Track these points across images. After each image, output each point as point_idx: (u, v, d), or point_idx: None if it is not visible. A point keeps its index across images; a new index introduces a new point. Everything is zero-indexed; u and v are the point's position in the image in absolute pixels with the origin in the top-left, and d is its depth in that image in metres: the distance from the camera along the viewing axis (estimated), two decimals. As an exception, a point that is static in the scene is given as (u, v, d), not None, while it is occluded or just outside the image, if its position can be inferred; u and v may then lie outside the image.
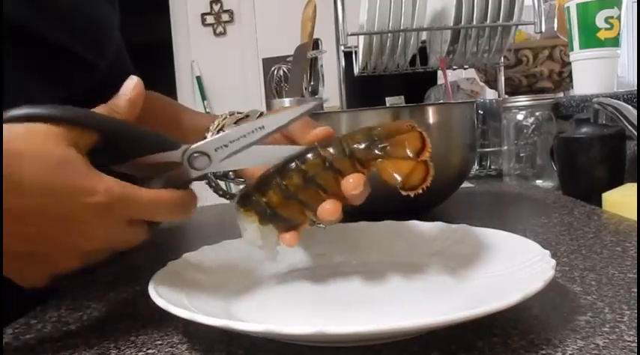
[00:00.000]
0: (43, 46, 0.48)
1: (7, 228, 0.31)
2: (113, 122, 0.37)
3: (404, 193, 0.37)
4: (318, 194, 0.39)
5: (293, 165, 0.39)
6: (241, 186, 0.43)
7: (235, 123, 0.52)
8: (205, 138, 0.52)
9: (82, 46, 0.52)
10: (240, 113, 0.53)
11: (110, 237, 0.35)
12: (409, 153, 0.38)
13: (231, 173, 0.49)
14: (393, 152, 0.38)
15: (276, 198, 0.39)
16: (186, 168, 0.38)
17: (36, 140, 0.33)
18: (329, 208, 0.38)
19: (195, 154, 0.38)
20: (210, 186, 0.42)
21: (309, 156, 0.39)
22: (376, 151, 0.38)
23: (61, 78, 0.52)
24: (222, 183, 0.53)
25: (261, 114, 0.52)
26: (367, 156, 0.38)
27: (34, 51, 0.48)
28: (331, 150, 0.38)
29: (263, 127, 0.38)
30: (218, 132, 0.52)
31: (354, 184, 0.38)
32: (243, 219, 0.40)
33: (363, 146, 0.38)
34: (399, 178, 0.37)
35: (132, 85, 0.39)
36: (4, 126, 0.33)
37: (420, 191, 0.37)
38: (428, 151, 0.38)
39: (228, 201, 0.50)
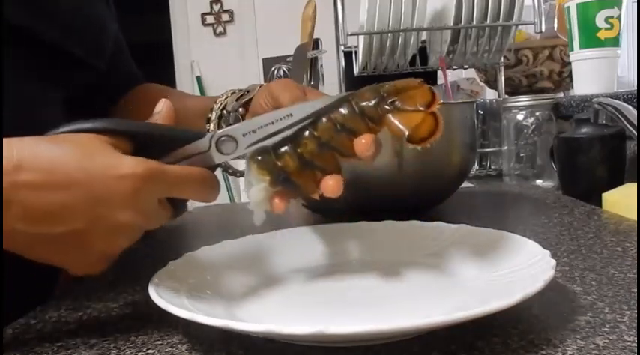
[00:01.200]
0: (42, 47, 0.48)
1: (47, 208, 0.33)
2: (140, 124, 0.39)
3: (411, 146, 0.37)
4: (334, 157, 0.39)
5: (307, 133, 0.38)
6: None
7: (237, 100, 0.53)
8: (210, 118, 0.54)
9: (81, 47, 0.52)
10: (241, 90, 0.54)
11: (144, 210, 0.36)
12: (418, 105, 0.38)
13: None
14: (402, 106, 0.38)
15: (293, 164, 0.38)
16: (213, 152, 0.39)
17: (74, 136, 0.36)
18: (332, 184, 0.38)
19: (223, 138, 0.39)
20: (220, 165, 0.43)
21: (323, 120, 0.38)
22: (386, 106, 0.38)
23: (61, 79, 0.52)
24: (232, 162, 0.54)
25: (261, 87, 0.52)
26: (378, 112, 0.38)
27: (33, 52, 0.48)
28: (342, 110, 0.38)
29: (291, 115, 0.39)
30: (221, 111, 0.54)
31: (366, 145, 0.38)
32: (253, 175, 0.39)
33: (372, 103, 0.38)
34: (406, 131, 0.37)
35: (162, 103, 0.42)
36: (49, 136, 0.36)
37: (429, 145, 0.37)
38: (438, 104, 0.38)
39: (237, 177, 0.51)
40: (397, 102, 0.38)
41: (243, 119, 0.52)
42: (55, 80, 0.52)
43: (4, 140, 0.33)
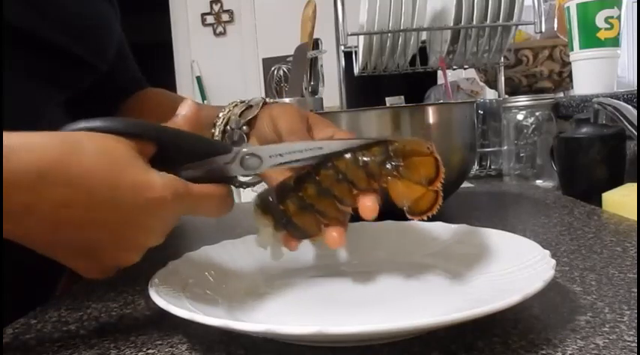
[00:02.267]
0: (44, 49, 0.48)
1: (72, 221, 0.33)
2: (169, 131, 0.38)
3: (409, 216, 0.38)
4: (333, 204, 0.39)
5: (309, 176, 0.39)
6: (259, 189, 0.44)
7: (240, 116, 0.52)
8: (213, 133, 0.53)
9: (84, 48, 0.52)
10: (243, 101, 0.53)
11: (165, 230, 0.36)
12: (422, 179, 0.38)
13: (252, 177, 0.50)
14: (406, 174, 0.38)
15: (293, 207, 0.39)
16: (235, 166, 0.39)
17: (99, 141, 0.34)
18: (335, 236, 0.40)
19: (248, 156, 0.39)
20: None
21: (325, 167, 0.39)
22: (389, 168, 0.38)
23: (63, 80, 0.52)
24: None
25: (265, 102, 0.52)
26: (380, 172, 0.38)
27: (35, 53, 0.48)
28: (346, 159, 0.38)
29: (321, 148, 0.39)
30: (224, 126, 0.53)
31: (370, 209, 0.38)
32: (258, 219, 0.41)
33: (377, 160, 0.38)
34: (407, 203, 0.38)
35: (186, 104, 0.41)
36: (63, 133, 0.34)
37: (426, 218, 0.38)
38: (440, 181, 0.38)
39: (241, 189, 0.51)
40: (401, 169, 0.38)
41: (247, 138, 0.51)
42: (57, 82, 0.52)
43: (24, 142, 0.32)
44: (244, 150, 0.39)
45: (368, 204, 0.38)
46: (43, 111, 0.50)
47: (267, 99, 0.53)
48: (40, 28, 0.47)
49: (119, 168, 0.34)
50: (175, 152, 0.38)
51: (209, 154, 0.39)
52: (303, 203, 0.39)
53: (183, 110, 0.40)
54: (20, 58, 0.47)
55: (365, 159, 0.38)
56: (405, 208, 0.38)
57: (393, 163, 0.38)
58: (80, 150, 0.33)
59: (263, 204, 0.40)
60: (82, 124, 0.35)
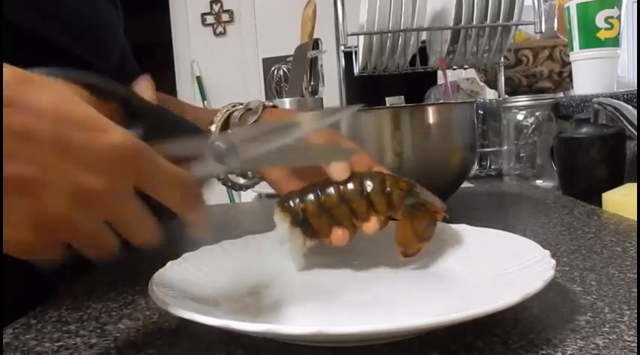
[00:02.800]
0: (45, 49, 0.48)
1: (9, 146, 0.26)
2: (136, 96, 0.33)
3: (402, 256, 0.44)
4: (348, 216, 0.43)
5: (334, 187, 0.43)
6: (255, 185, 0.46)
7: (240, 119, 0.52)
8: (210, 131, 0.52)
9: (86, 49, 0.52)
10: (242, 104, 0.53)
11: (116, 192, 0.29)
12: (425, 233, 0.44)
13: (249, 173, 0.50)
14: (417, 218, 0.43)
15: (312, 208, 0.43)
16: (209, 161, 0.34)
17: (52, 82, 0.30)
18: (340, 234, 0.43)
19: (222, 145, 0.34)
20: (219, 179, 0.43)
21: (352, 180, 0.43)
22: (409, 205, 0.43)
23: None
24: (230, 175, 0.53)
25: (264, 105, 0.52)
26: (400, 206, 0.43)
27: (36, 54, 0.48)
28: (374, 183, 0.43)
29: (298, 125, 0.36)
30: (223, 124, 0.53)
31: (373, 231, 0.43)
32: (277, 216, 0.44)
33: (402, 194, 0.42)
34: (402, 248, 0.44)
35: (143, 83, 0.38)
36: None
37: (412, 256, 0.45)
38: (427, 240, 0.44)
39: (234, 191, 0.51)
40: (418, 213, 0.43)
41: None
42: None
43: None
44: (217, 136, 0.34)
45: (376, 227, 0.43)
46: None
47: (266, 103, 0.53)
48: (40, 27, 0.47)
49: (72, 107, 0.28)
50: (144, 120, 0.32)
51: (180, 130, 0.35)
52: (321, 207, 0.42)
53: (140, 87, 0.37)
54: (21, 56, 0.46)
55: (391, 189, 0.42)
56: (399, 249, 0.44)
57: (413, 203, 0.42)
58: (31, 82, 0.28)
59: (284, 200, 0.43)
60: (44, 70, 0.30)
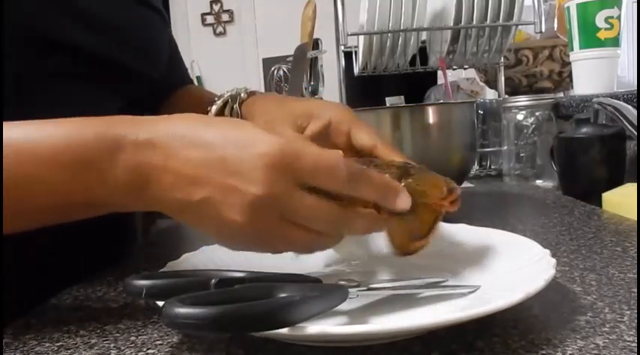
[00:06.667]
0: (103, 65, 0.53)
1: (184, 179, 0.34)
2: None
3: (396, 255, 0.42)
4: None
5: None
6: None
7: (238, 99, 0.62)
8: (210, 111, 0.63)
9: (140, 63, 0.57)
10: (240, 89, 0.63)
11: (278, 194, 0.34)
12: (421, 230, 0.41)
13: None
14: (405, 219, 0.39)
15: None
16: None
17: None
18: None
19: None
20: None
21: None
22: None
23: (120, 90, 0.56)
24: None
25: (253, 92, 0.62)
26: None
27: (95, 69, 0.52)
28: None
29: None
30: (224, 104, 0.62)
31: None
32: None
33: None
34: (395, 249, 0.41)
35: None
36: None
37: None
38: (432, 237, 0.41)
39: None
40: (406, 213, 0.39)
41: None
42: (115, 92, 0.56)
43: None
44: None
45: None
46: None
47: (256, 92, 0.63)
48: (98, 46, 0.52)
49: (230, 127, 0.36)
50: None
51: None
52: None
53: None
54: (80, 72, 0.51)
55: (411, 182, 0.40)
56: (393, 250, 0.41)
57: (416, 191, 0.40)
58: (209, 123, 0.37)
59: None
60: None
